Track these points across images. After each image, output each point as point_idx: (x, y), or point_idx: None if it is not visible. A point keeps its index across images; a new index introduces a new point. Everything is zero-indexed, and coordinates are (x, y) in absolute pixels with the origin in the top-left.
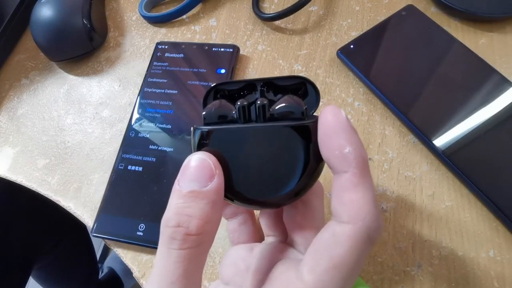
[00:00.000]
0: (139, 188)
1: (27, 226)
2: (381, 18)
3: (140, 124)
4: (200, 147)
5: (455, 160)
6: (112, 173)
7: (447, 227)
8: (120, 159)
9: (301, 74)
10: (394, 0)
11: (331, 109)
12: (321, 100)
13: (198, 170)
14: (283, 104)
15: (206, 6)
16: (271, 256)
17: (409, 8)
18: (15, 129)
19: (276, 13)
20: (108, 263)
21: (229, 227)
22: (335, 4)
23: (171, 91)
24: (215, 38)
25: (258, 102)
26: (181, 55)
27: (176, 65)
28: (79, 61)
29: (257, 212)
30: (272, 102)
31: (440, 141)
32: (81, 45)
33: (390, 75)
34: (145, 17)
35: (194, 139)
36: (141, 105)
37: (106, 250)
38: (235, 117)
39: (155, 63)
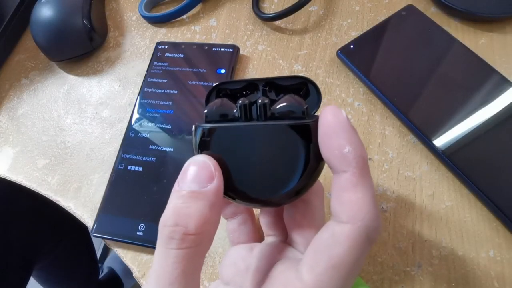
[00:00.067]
0: (139, 188)
1: (27, 226)
2: (381, 18)
3: (140, 124)
4: (201, 144)
5: (455, 160)
6: (112, 173)
7: (447, 227)
8: (120, 159)
9: (302, 74)
10: (394, 0)
11: (331, 109)
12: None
13: (197, 172)
14: (284, 104)
15: (206, 6)
16: (271, 256)
17: (409, 8)
18: (15, 129)
19: (276, 13)
20: (108, 263)
21: (228, 227)
22: (335, 4)
23: (171, 91)
24: (215, 38)
25: (259, 101)
26: (181, 55)
27: (176, 65)
28: (79, 61)
29: (257, 212)
30: (273, 102)
31: (440, 141)
32: (81, 45)
33: (390, 75)
34: (145, 17)
35: (196, 136)
36: (141, 105)
37: (106, 250)
38: (236, 115)
39: (155, 63)
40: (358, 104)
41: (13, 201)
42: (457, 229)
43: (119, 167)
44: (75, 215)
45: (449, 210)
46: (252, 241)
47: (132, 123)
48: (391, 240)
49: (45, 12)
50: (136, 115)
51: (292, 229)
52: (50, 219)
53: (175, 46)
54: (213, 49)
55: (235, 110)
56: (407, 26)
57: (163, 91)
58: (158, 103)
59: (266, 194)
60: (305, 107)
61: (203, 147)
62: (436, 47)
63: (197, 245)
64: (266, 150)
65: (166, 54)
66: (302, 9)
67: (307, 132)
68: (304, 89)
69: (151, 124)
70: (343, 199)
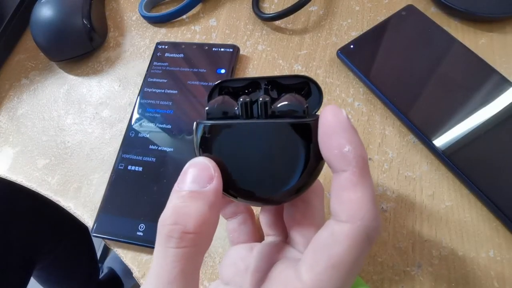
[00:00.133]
0: (139, 188)
1: (27, 226)
2: (381, 18)
3: (140, 124)
4: (202, 141)
5: (455, 160)
6: (112, 173)
7: (447, 227)
8: (120, 159)
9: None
10: (394, 0)
11: (331, 109)
12: None
13: (197, 173)
14: (285, 102)
15: (206, 6)
16: (271, 256)
17: (409, 8)
18: (15, 129)
19: (276, 13)
20: (108, 263)
21: (228, 227)
22: (335, 4)
23: (171, 91)
24: (215, 38)
25: (260, 99)
26: (181, 55)
27: (176, 65)
28: (79, 61)
29: (256, 212)
30: (275, 100)
31: (440, 141)
32: (81, 45)
33: (390, 75)
34: (145, 17)
35: (197, 133)
36: (141, 105)
37: (106, 250)
38: (237, 113)
39: (155, 63)
40: (358, 104)
41: (13, 201)
42: (457, 229)
43: (119, 167)
44: (75, 215)
45: (449, 210)
46: (252, 241)
47: (132, 123)
48: (391, 240)
49: (45, 12)
50: (136, 115)
51: (292, 228)
52: (50, 219)
53: (175, 46)
54: (213, 49)
55: (236, 108)
56: (407, 26)
57: (163, 91)
58: (158, 103)
59: (267, 192)
60: (305, 106)
61: (204, 144)
62: (436, 47)
63: (196, 244)
64: (266, 148)
65: (166, 54)
66: (302, 9)
67: (307, 131)
68: (306, 88)
69: (151, 124)
70: (343, 198)
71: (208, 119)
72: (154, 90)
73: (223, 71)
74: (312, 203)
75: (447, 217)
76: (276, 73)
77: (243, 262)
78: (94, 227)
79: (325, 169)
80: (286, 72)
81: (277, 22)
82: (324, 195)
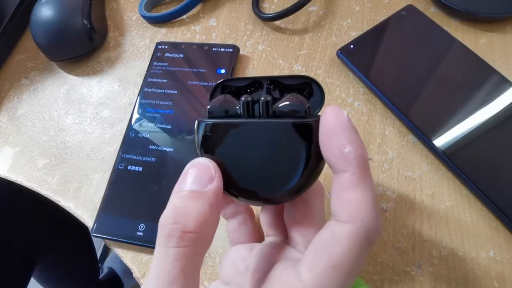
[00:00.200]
0: (139, 188)
1: (27, 226)
2: (381, 18)
3: (140, 124)
4: (203, 139)
5: (455, 160)
6: (112, 173)
7: (447, 227)
8: (120, 159)
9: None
10: (394, 0)
11: (332, 109)
12: None
13: (198, 173)
14: (286, 102)
15: (206, 6)
16: (271, 256)
17: (409, 8)
18: (15, 129)
19: (276, 13)
20: (108, 263)
21: (228, 227)
22: (335, 4)
23: (171, 91)
24: (215, 38)
25: (262, 98)
26: (181, 55)
27: (176, 65)
28: (79, 61)
29: (256, 212)
30: (276, 100)
31: (440, 141)
32: (81, 45)
33: (390, 75)
34: (145, 17)
35: (198, 131)
36: (141, 105)
37: (106, 250)
38: (239, 112)
39: (155, 63)
40: (358, 104)
41: (13, 201)
42: (457, 229)
43: (119, 167)
44: (75, 215)
45: (449, 210)
46: (252, 241)
47: (132, 123)
48: (391, 240)
49: (45, 12)
50: (136, 115)
51: (292, 229)
52: (50, 219)
53: (175, 46)
54: (213, 49)
55: (237, 107)
56: (407, 26)
57: (163, 91)
58: (158, 103)
59: (268, 192)
60: (307, 107)
61: (205, 142)
62: (436, 47)
63: (196, 243)
64: (267, 147)
65: (166, 54)
66: (302, 9)
67: (308, 131)
68: (308, 89)
69: (151, 124)
70: (343, 199)
71: (210, 117)
72: (154, 90)
73: (223, 71)
74: (312, 203)
75: (447, 217)
76: (276, 73)
77: (243, 262)
78: (94, 227)
79: (326, 169)
80: (286, 72)
81: (277, 22)
82: (324, 195)
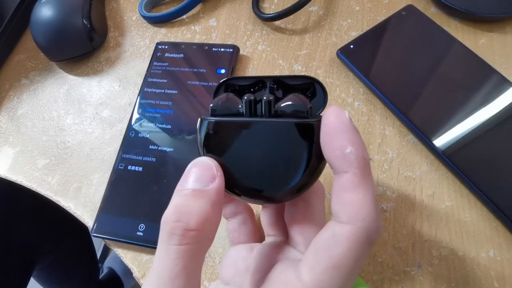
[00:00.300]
0: (139, 188)
1: (27, 227)
2: (381, 18)
3: (140, 124)
4: (206, 136)
5: (455, 160)
6: (112, 173)
7: (447, 227)
8: (120, 159)
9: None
10: (394, 0)
11: (334, 110)
12: None
13: (200, 172)
14: (289, 102)
15: (206, 6)
16: (271, 256)
17: (409, 8)
18: (15, 129)
19: (276, 13)
20: (108, 263)
21: (228, 227)
22: (335, 4)
23: (171, 91)
24: (215, 38)
25: (264, 98)
26: (181, 55)
27: (176, 65)
28: (79, 61)
29: (257, 212)
30: (279, 100)
31: (440, 141)
32: (81, 45)
33: (390, 75)
34: (145, 17)
35: (201, 128)
36: (141, 105)
37: (106, 250)
38: (241, 111)
39: (155, 63)
40: (358, 104)
41: (13, 201)
42: (457, 229)
43: (119, 167)
44: (75, 215)
45: (449, 210)
46: (252, 241)
47: (132, 123)
48: (391, 240)
49: (45, 12)
50: (136, 115)
51: (293, 229)
52: (50, 219)
53: (175, 46)
54: (213, 49)
55: (240, 106)
56: (407, 26)
57: (163, 91)
58: (158, 103)
59: (269, 190)
60: (309, 107)
61: (207, 140)
62: (436, 47)
63: (198, 241)
64: (269, 146)
65: (166, 54)
66: (302, 9)
67: (310, 131)
68: (311, 89)
69: (151, 124)
70: (344, 200)
71: (213, 115)
72: (154, 90)
73: (223, 71)
74: (313, 203)
75: (447, 217)
76: (276, 73)
77: (243, 262)
78: (94, 227)
79: (326, 169)
80: (286, 72)
81: (277, 22)
82: (325, 196)
